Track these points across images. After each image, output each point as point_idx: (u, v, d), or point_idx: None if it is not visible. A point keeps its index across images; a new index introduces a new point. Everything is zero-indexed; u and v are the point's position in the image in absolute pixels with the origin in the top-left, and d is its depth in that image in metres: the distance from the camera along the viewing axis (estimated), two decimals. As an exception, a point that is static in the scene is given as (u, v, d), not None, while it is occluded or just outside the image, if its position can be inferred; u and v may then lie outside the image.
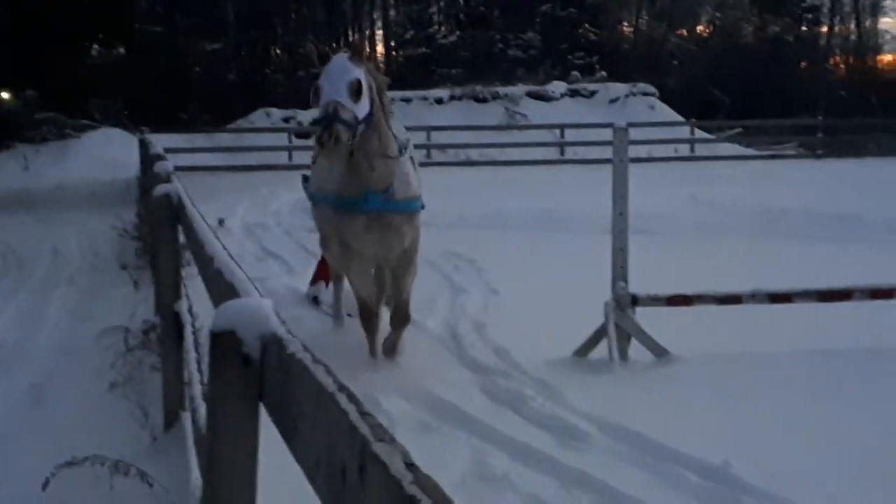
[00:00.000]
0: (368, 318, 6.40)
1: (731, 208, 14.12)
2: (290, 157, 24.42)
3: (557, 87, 30.80)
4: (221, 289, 2.98)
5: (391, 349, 6.49)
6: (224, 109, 29.81)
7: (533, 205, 14.17)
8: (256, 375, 2.07)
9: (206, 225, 4.37)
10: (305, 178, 7.58)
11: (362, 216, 5.95)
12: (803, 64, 41.78)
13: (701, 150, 26.93)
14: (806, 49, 43.07)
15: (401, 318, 6.50)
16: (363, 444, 1.39)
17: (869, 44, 44.25)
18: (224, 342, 2.07)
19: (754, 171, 22.14)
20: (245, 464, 2.16)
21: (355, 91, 5.48)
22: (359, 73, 5.62)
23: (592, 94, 30.36)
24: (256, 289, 2.54)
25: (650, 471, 4.52)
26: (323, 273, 8.12)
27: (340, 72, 5.54)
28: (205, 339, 3.11)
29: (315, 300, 8.19)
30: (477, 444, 4.92)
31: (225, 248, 3.55)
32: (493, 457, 4.73)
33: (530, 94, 30.13)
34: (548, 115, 28.46)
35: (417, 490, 1.22)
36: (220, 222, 12.69)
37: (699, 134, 28.23)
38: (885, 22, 44.27)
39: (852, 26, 43.79)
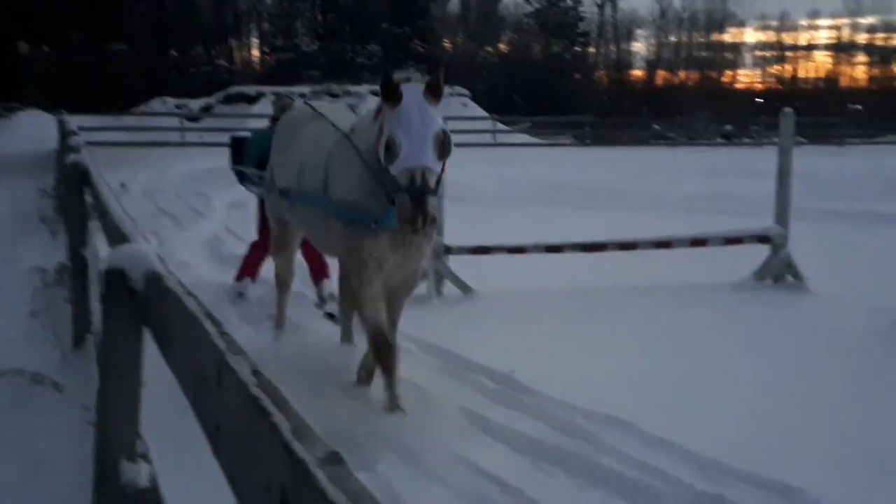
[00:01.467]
0: (388, 352, 3.84)
1: (523, 183, 14.44)
2: (182, 136, 24.84)
3: (393, 87, 30.98)
4: (115, 237, 2.88)
5: (395, 399, 3.85)
6: (129, 97, 28.97)
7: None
8: (141, 304, 2.01)
9: (108, 188, 4.25)
10: (241, 175, 5.97)
11: (387, 233, 3.73)
12: (577, 75, 43.47)
13: (501, 138, 27.19)
14: (579, 64, 44.34)
15: (393, 351, 3.93)
16: (220, 356, 1.36)
17: (624, 61, 46.54)
18: (115, 278, 2.01)
19: (540, 155, 22.67)
20: (132, 372, 2.11)
21: (441, 145, 3.38)
22: (440, 118, 3.48)
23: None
24: (146, 239, 2.52)
25: (457, 378, 4.59)
26: (248, 269, 6.28)
27: (422, 121, 3.37)
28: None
29: (241, 295, 6.09)
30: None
31: (122, 207, 3.38)
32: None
33: (373, 92, 30.32)
34: (384, 108, 28.71)
35: (260, 392, 1.19)
36: (122, 186, 12.02)
37: (500, 126, 28.56)
38: (635, 45, 46.48)
39: (612, 48, 45.88)
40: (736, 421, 4.04)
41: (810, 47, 39.94)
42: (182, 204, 12.09)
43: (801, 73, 41.38)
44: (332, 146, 4.06)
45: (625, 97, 42.35)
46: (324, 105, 4.96)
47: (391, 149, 3.32)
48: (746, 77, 41.78)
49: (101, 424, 2.17)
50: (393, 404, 3.80)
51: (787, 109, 7.04)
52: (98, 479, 2.18)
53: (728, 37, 39.73)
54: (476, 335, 5.34)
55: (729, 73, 41.36)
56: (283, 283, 5.28)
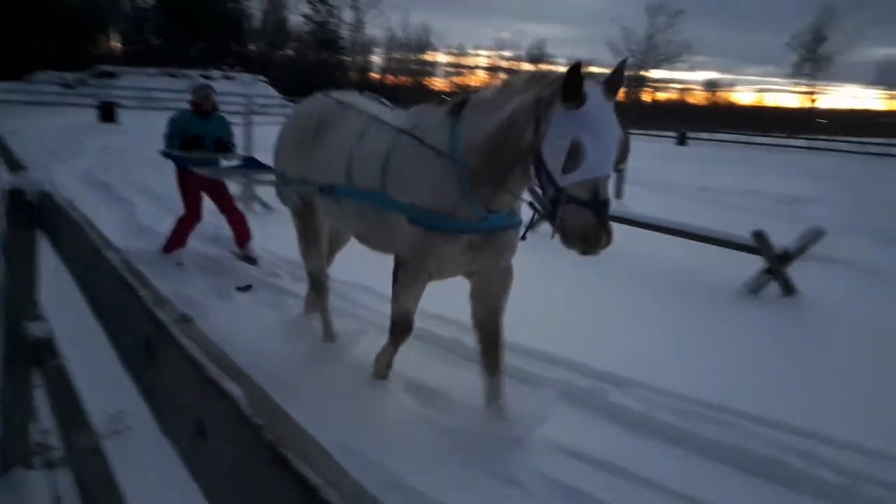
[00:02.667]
0: (405, 334, 3.33)
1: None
2: (62, 99, 26.41)
3: (217, 74, 35.73)
4: (14, 167, 3.49)
5: (498, 397, 3.24)
6: (25, 68, 31.83)
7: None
8: (35, 213, 2.24)
9: (7, 133, 4.79)
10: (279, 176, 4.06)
11: (466, 238, 3.03)
12: (337, 74, 48.85)
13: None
14: (338, 67, 51.22)
15: (501, 347, 3.26)
16: (97, 250, 1.52)
17: (367, 68, 55.71)
18: (15, 195, 2.22)
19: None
20: (30, 259, 2.31)
21: (622, 150, 2.52)
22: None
23: (232, 78, 36.05)
24: (37, 168, 2.84)
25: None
26: (179, 240, 5.80)
27: (609, 127, 2.49)
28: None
29: (180, 264, 5.57)
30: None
31: (12, 147, 3.88)
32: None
33: (202, 76, 33.38)
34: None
35: (128, 273, 1.32)
36: (15, 132, 12.60)
37: (287, 103, 29.32)
38: (374, 57, 58.02)
39: (360, 58, 54.33)
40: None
41: (475, 67, 63.13)
42: (63, 144, 13.43)
43: (471, 83, 63.43)
44: (391, 144, 3.15)
45: (365, 91, 55.88)
46: (353, 97, 3.85)
47: (575, 156, 2.43)
48: (439, 83, 58.69)
49: (7, 295, 2.33)
50: (496, 395, 3.23)
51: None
52: (6, 334, 2.33)
53: (428, 57, 60.80)
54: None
55: (428, 80, 64.03)
56: (321, 284, 4.04)
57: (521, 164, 2.66)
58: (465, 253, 3.03)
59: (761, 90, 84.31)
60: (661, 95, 62.46)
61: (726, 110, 59.11)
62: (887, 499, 2.77)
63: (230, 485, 0.87)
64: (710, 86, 66.15)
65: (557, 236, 2.49)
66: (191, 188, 5.88)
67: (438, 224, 2.93)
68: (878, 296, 5.85)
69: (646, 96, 59.23)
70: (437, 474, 2.65)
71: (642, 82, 58.14)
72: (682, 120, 36.74)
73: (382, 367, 3.40)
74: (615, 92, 2.53)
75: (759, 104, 64.91)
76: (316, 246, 4.01)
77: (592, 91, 2.46)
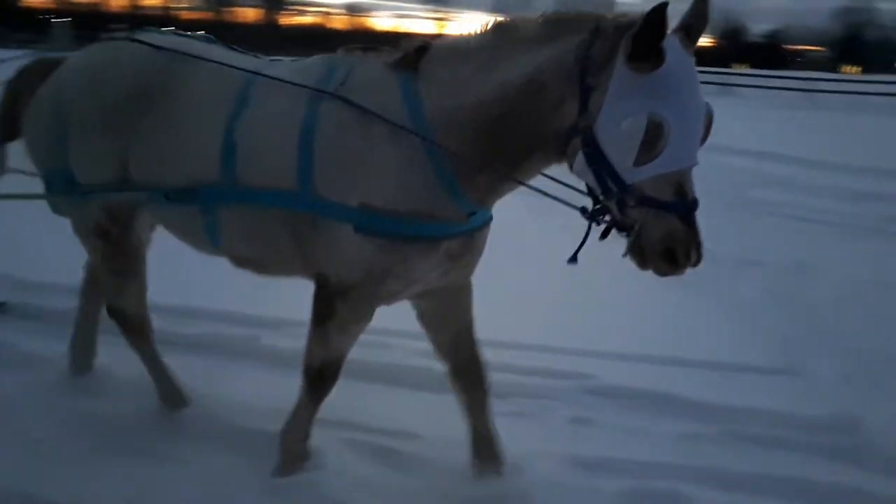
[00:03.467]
0: (331, 386, 2.24)
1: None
2: None
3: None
4: None
5: (497, 448, 2.38)
6: None
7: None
8: None
9: None
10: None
11: (444, 247, 2.06)
12: None
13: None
14: None
15: (484, 371, 2.37)
16: None
17: None
18: None
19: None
20: None
21: (707, 129, 1.78)
22: None
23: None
24: None
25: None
26: None
27: (697, 96, 1.71)
28: None
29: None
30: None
31: None
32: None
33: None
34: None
35: None
36: None
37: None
38: None
39: None
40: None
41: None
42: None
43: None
44: (307, 114, 2.02)
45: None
46: (180, 42, 2.31)
47: (654, 140, 1.67)
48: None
49: None
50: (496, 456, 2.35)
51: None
52: None
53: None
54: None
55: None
56: (140, 328, 2.66)
57: (550, 147, 1.81)
58: (440, 266, 2.07)
59: (400, 16, 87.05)
60: (303, 20, 63.02)
61: (366, 35, 60.91)
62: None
63: None
64: (351, 10, 68.14)
65: (629, 255, 1.74)
66: None
67: (408, 231, 1.95)
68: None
69: (285, 20, 59.10)
70: None
71: (281, 5, 56.07)
72: (323, 45, 39.26)
73: (299, 446, 2.26)
74: (696, 41, 1.74)
75: (397, 30, 66.53)
76: (135, 278, 2.53)
77: (670, 43, 1.66)
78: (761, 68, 38.04)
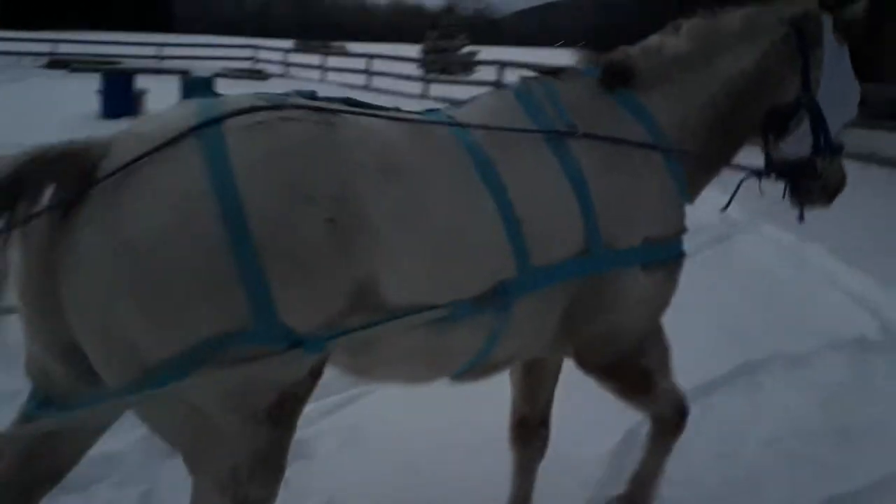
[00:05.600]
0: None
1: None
2: None
3: None
4: None
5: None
6: None
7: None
8: None
9: None
10: None
11: None
12: None
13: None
14: None
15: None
16: None
17: None
18: None
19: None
20: None
21: None
22: None
23: None
24: None
25: None
26: None
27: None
28: None
29: None
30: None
31: None
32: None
33: None
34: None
35: None
36: None
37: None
38: None
39: None
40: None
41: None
42: None
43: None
44: (563, 161, 1.74)
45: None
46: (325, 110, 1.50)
47: (856, 97, 2.02)
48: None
49: None
50: None
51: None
52: None
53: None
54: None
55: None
56: None
57: (758, 126, 2.01)
58: None
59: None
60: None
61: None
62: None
63: None
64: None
65: (812, 199, 2.07)
66: None
67: (680, 252, 1.85)
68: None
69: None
70: None
71: None
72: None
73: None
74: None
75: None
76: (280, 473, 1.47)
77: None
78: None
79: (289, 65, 23.61)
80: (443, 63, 25.69)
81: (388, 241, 1.39)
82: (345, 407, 2.83)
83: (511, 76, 14.84)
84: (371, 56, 19.36)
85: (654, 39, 1.96)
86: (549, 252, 1.65)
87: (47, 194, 1.25)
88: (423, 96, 17.03)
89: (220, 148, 1.29)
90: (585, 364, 1.87)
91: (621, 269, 1.73)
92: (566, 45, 34.39)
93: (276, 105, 1.40)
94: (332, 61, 21.91)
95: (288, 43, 33.06)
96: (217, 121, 1.32)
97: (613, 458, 2.56)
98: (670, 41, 1.94)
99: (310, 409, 1.78)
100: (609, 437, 2.65)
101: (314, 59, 22.96)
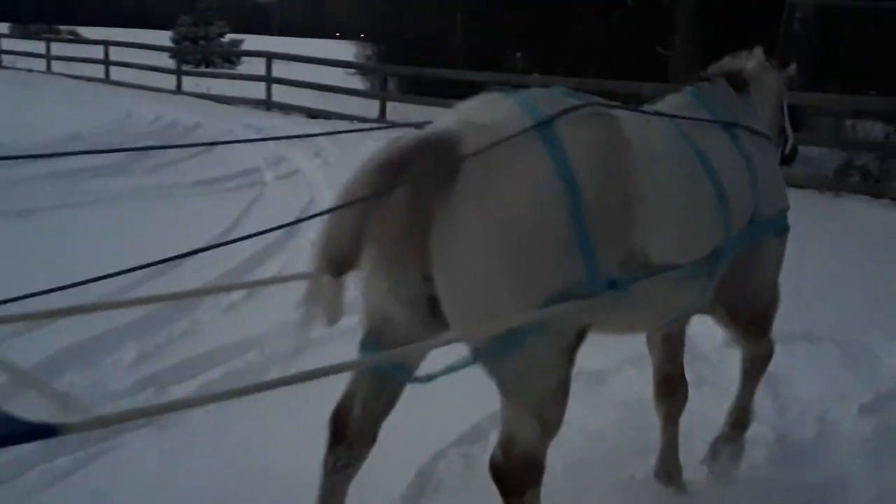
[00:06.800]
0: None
1: None
2: None
3: None
4: None
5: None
6: None
7: None
8: None
9: None
10: None
11: None
12: None
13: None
14: None
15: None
16: None
17: None
18: None
19: None
20: None
21: None
22: None
23: None
24: None
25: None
26: None
27: None
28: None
29: None
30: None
31: None
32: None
33: None
34: None
35: None
36: None
37: None
38: None
39: None
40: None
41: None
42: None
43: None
44: (730, 145, 2.25)
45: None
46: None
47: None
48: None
49: None
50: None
51: None
52: None
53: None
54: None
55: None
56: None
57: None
58: None
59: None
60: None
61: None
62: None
63: None
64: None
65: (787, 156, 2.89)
66: None
67: (787, 220, 2.46)
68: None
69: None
70: None
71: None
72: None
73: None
74: None
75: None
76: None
77: None
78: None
79: (2, 52, 19.98)
80: (201, 54, 23.91)
81: (655, 211, 1.81)
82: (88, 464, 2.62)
83: (283, 70, 13.84)
84: (109, 43, 17.19)
85: (732, 59, 2.71)
86: (738, 223, 2.13)
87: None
88: (179, 91, 15.33)
89: (555, 139, 1.67)
90: (735, 318, 2.37)
91: (765, 238, 2.28)
92: (342, 37, 34.65)
93: (583, 104, 1.80)
94: (60, 49, 19.25)
95: (1, 27, 28.04)
96: (552, 119, 1.69)
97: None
98: (744, 62, 2.67)
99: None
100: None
101: (37, 46, 19.70)
